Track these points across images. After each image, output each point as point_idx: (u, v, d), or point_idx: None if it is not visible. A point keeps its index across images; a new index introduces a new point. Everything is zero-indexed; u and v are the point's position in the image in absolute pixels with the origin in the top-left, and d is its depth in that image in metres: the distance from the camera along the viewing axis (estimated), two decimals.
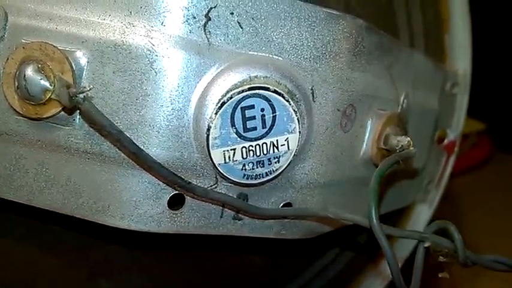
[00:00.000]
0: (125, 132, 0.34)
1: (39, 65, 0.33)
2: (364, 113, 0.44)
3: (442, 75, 0.65)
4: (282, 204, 0.42)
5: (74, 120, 0.36)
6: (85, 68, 0.35)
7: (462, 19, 0.67)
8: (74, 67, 0.35)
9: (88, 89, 0.31)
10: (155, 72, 0.35)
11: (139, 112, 0.35)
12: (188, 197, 0.38)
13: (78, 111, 0.35)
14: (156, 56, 0.34)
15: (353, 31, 0.41)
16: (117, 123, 0.34)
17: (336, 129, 0.42)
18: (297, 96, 0.38)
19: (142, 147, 0.34)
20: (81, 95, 0.32)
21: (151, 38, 0.34)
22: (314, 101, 0.39)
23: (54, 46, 0.34)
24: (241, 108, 0.35)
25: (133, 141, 0.33)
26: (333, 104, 0.41)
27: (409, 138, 0.44)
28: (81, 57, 0.35)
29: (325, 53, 0.39)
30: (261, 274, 0.62)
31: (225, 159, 0.36)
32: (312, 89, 0.39)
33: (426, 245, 0.42)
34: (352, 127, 0.43)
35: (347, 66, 0.41)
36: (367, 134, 0.45)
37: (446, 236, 0.41)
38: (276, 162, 0.38)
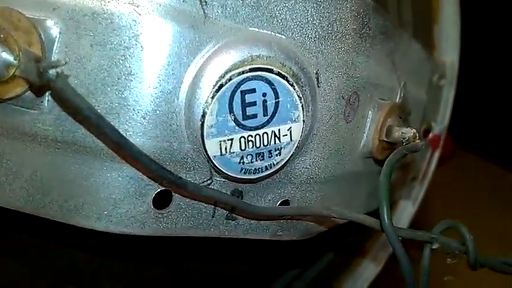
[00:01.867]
0: (105, 118, 0.28)
1: (1, 35, 0.27)
2: (366, 102, 0.41)
3: (431, 66, 0.62)
4: (279, 202, 0.37)
5: (43, 102, 0.30)
6: (56, 40, 0.29)
7: (452, 9, 0.65)
8: (43, 38, 0.29)
9: (63, 62, 0.26)
10: (141, 46, 0.29)
11: (121, 94, 0.30)
12: (176, 195, 0.33)
13: (48, 91, 0.30)
14: (143, 27, 0.29)
15: (361, 10, 0.37)
16: (94, 106, 0.29)
17: (339, 118, 0.38)
18: (302, 80, 0.33)
19: (125, 135, 0.29)
20: (53, 71, 0.26)
21: (137, 6, 0.29)
22: (318, 87, 0.35)
23: (20, 13, 0.28)
24: (241, 92, 0.31)
25: (115, 127, 0.28)
26: (337, 90, 0.36)
27: (414, 130, 0.40)
28: (52, 27, 0.29)
29: (331, 33, 0.35)
30: (241, 277, 0.57)
31: (221, 151, 0.31)
32: (316, 73, 0.35)
33: (434, 246, 0.38)
34: (355, 117, 0.40)
35: (353, 49, 0.37)
36: (368, 125, 0.42)
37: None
38: (277, 155, 0.33)
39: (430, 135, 0.68)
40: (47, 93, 0.30)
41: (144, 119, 0.30)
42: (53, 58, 0.29)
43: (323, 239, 0.48)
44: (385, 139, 0.42)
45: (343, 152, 0.40)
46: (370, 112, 0.41)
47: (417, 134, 0.40)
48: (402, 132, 0.40)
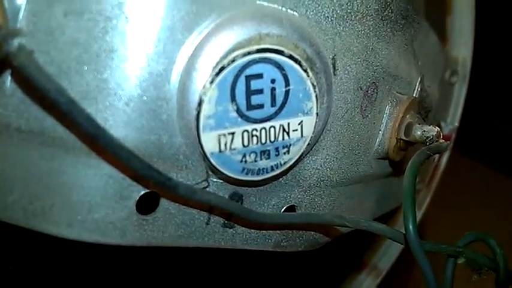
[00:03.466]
0: (79, 103, 0.23)
1: None
2: (384, 95, 0.36)
3: (444, 61, 0.57)
4: (284, 208, 0.32)
5: (4, 83, 0.25)
6: (23, 7, 0.24)
7: (466, 1, 0.60)
8: (5, 5, 0.23)
9: (26, 31, 0.20)
10: (126, 17, 0.24)
11: (100, 75, 0.24)
12: (164, 198, 0.28)
13: (9, 69, 0.24)
14: None
15: None
16: (67, 89, 0.24)
17: (356, 113, 0.33)
18: (317, 66, 0.28)
19: (103, 126, 0.23)
20: (15, 42, 0.21)
21: None
22: (335, 75, 0.30)
23: None
24: (245, 77, 0.26)
25: (91, 115, 0.22)
26: (355, 80, 0.31)
27: (438, 128, 0.35)
28: None
29: (350, 13, 0.30)
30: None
31: (219, 147, 0.26)
32: (333, 59, 0.30)
33: (460, 261, 0.34)
34: (371, 112, 0.35)
35: (373, 33, 0.32)
36: (385, 122, 0.37)
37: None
38: (285, 153, 0.28)
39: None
40: (7, 72, 0.24)
41: (127, 106, 0.25)
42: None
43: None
44: (404, 138, 0.37)
45: (358, 151, 0.35)
46: (387, 107, 0.36)
47: (441, 133, 0.36)
48: (424, 131, 0.35)
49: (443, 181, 0.65)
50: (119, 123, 0.25)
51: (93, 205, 0.26)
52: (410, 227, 0.28)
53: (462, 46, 0.62)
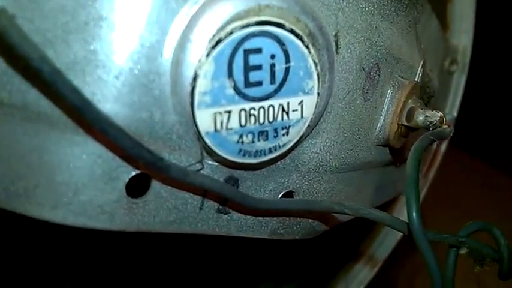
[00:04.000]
0: (65, 74, 0.21)
1: None
2: (386, 78, 0.34)
3: (444, 48, 0.56)
4: (282, 194, 0.31)
5: None
6: None
7: None
8: None
9: None
10: None
11: (88, 45, 0.23)
12: (156, 180, 0.26)
13: None
14: None
15: None
16: (53, 60, 0.22)
17: (357, 95, 0.31)
18: (319, 42, 0.26)
19: (89, 100, 0.22)
20: None
21: None
22: (337, 53, 0.28)
23: None
24: (244, 51, 0.24)
25: (77, 87, 0.21)
26: (358, 59, 0.30)
27: (441, 114, 0.34)
28: None
29: None
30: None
31: (215, 126, 0.24)
32: (335, 36, 0.28)
33: (462, 251, 0.32)
34: (373, 95, 0.33)
35: (377, 11, 0.31)
36: (386, 107, 0.35)
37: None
38: (284, 135, 0.27)
39: None
40: None
41: (117, 79, 0.23)
42: None
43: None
44: (405, 123, 0.35)
45: (358, 136, 0.33)
46: (389, 91, 0.35)
47: (444, 118, 0.34)
48: (427, 116, 0.34)
49: (443, 178, 0.64)
50: (107, 98, 0.23)
51: (79, 186, 0.24)
52: (414, 214, 0.27)
53: (463, 34, 0.60)
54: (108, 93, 0.23)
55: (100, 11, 0.22)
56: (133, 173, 0.25)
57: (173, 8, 0.23)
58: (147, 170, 0.25)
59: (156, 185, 0.26)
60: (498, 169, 1.46)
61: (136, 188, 0.26)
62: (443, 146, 0.62)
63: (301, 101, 0.26)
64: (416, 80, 0.40)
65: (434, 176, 0.63)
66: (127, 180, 0.25)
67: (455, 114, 0.62)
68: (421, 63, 0.40)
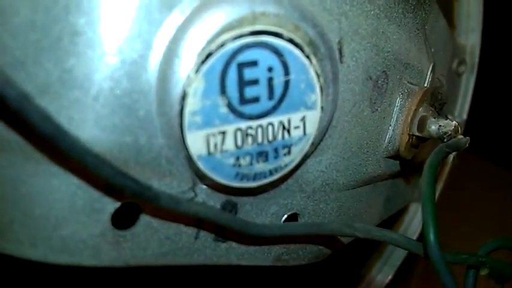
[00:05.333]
0: (37, 99, 0.19)
1: None
2: (395, 86, 0.32)
3: (452, 50, 0.53)
4: (285, 217, 0.28)
5: None
6: None
7: None
8: None
9: None
10: None
11: (63, 64, 0.20)
12: (145, 210, 0.24)
13: None
14: None
15: None
16: (22, 81, 0.20)
17: (365, 106, 0.29)
18: (322, 51, 0.24)
19: (67, 126, 0.19)
20: None
21: None
22: (341, 62, 0.26)
23: None
24: (238, 64, 0.21)
25: (50, 114, 0.18)
26: (364, 68, 0.27)
27: (456, 122, 0.31)
28: None
29: None
30: None
31: (208, 149, 0.22)
32: (339, 43, 0.26)
33: (483, 272, 0.30)
34: (382, 105, 0.30)
35: (384, 14, 0.28)
36: (395, 116, 0.33)
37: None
38: (285, 154, 0.24)
39: None
40: None
41: (96, 101, 0.21)
42: None
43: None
44: (417, 133, 0.33)
45: (366, 150, 0.31)
46: (398, 99, 0.32)
47: (459, 128, 0.32)
48: (440, 125, 0.31)
49: (453, 181, 0.61)
50: (86, 121, 0.21)
51: (59, 220, 0.22)
52: (432, 237, 0.24)
53: (470, 33, 0.58)
54: (86, 116, 0.21)
55: (75, 25, 0.20)
56: (119, 203, 0.22)
57: (157, 20, 0.21)
58: (134, 200, 0.23)
59: (145, 214, 0.24)
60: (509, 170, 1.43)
61: (123, 219, 0.23)
62: (454, 152, 0.60)
63: (304, 117, 0.24)
64: (426, 85, 0.38)
65: (444, 183, 0.61)
66: (112, 211, 0.22)
67: (464, 117, 0.59)
68: (431, 67, 0.38)
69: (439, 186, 0.61)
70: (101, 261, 0.23)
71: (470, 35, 0.58)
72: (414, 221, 0.62)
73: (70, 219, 0.22)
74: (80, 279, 0.44)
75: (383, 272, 0.60)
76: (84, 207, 0.22)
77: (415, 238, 0.57)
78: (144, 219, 0.24)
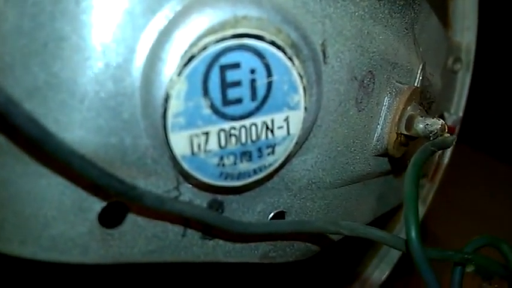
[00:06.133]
0: (25, 102, 0.20)
1: None
2: (382, 85, 0.32)
3: (446, 47, 0.54)
4: (272, 215, 0.29)
5: None
6: None
7: None
8: None
9: None
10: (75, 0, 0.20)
11: (49, 68, 0.21)
12: (132, 208, 0.24)
13: None
14: None
15: None
16: (11, 85, 0.20)
17: (350, 105, 0.29)
18: (304, 53, 0.24)
19: (54, 128, 0.20)
20: None
21: None
22: (325, 63, 0.26)
23: None
24: (220, 67, 0.22)
25: (36, 117, 0.19)
26: (349, 68, 0.28)
27: (442, 121, 0.32)
28: None
29: None
30: None
31: (192, 149, 0.22)
32: (323, 45, 0.26)
33: (469, 269, 0.30)
34: (368, 104, 0.31)
35: (369, 15, 0.28)
36: (383, 115, 0.33)
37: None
38: (269, 154, 0.25)
39: None
40: None
41: (82, 103, 0.21)
42: None
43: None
44: (405, 132, 0.33)
45: (353, 148, 0.31)
46: (386, 98, 0.33)
47: (446, 126, 0.32)
48: (427, 124, 0.32)
49: (452, 176, 0.61)
50: (72, 124, 0.21)
51: (49, 220, 0.23)
52: (413, 234, 0.25)
53: (465, 31, 0.58)
54: (73, 119, 0.21)
55: (60, 31, 0.20)
56: (106, 202, 0.23)
57: (140, 24, 0.21)
58: (120, 199, 0.23)
59: (132, 213, 0.24)
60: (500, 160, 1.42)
61: (110, 218, 0.24)
62: (450, 148, 0.60)
63: (287, 117, 0.24)
64: (415, 84, 0.38)
65: (441, 179, 0.61)
66: (99, 210, 0.23)
67: (460, 114, 0.59)
68: (421, 66, 0.38)
69: (437, 180, 0.61)
70: (90, 259, 0.24)
71: (466, 33, 0.58)
72: None
73: (59, 218, 0.23)
74: (80, 279, 0.44)
75: (380, 268, 0.60)
76: (72, 206, 0.23)
77: None
78: (131, 217, 0.24)
